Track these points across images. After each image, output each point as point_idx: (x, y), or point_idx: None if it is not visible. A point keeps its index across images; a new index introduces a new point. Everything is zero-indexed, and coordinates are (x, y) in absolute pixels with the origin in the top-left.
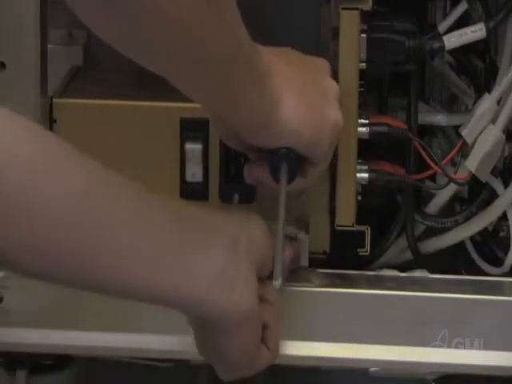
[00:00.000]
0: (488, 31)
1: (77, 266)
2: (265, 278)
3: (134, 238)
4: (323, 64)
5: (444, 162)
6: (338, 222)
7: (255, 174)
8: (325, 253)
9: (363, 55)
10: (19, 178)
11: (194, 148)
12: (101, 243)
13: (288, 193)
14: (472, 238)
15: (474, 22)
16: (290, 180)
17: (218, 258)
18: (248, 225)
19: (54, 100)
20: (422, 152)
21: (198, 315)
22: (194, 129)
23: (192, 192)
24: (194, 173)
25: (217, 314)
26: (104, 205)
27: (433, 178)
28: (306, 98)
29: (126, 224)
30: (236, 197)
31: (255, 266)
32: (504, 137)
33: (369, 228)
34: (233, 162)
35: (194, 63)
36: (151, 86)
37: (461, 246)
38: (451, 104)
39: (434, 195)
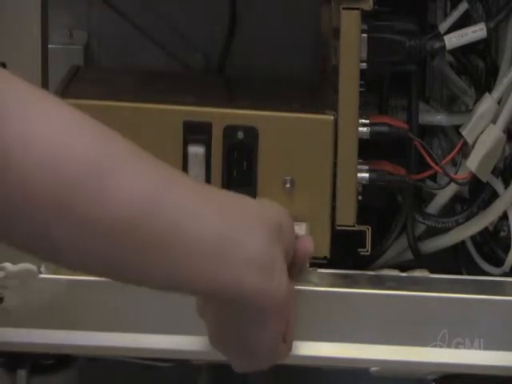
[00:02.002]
0: (488, 31)
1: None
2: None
3: (186, 225)
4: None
5: (445, 161)
6: (338, 221)
7: None
8: (325, 258)
9: (363, 55)
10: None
11: (196, 151)
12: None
13: None
14: (472, 238)
15: (474, 22)
16: None
17: (258, 243)
18: (279, 214)
19: None
20: (423, 152)
21: (234, 301)
22: (196, 132)
23: None
24: (197, 176)
25: (255, 300)
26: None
27: (433, 177)
28: None
29: (185, 216)
30: None
31: (286, 255)
32: (505, 137)
33: (369, 228)
34: (235, 165)
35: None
36: (152, 87)
37: (461, 245)
38: (451, 104)
39: (434, 195)
